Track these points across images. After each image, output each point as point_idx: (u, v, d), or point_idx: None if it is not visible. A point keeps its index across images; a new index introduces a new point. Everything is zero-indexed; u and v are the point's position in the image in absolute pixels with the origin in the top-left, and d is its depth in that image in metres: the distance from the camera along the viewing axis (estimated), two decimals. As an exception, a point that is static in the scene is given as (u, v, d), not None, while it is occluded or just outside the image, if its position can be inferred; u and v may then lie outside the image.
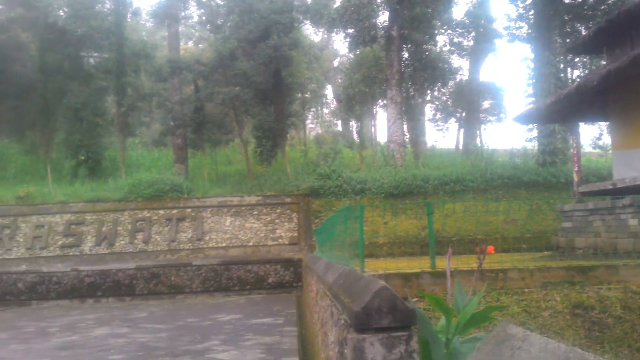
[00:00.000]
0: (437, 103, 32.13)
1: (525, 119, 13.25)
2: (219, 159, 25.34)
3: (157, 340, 8.54)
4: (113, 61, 23.44)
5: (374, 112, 33.39)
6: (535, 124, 18.52)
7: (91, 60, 27.80)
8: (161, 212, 17.75)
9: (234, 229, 17.34)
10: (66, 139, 23.06)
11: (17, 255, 16.49)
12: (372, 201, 17.58)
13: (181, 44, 31.84)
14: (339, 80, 36.94)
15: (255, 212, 17.77)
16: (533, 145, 20.93)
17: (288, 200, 18.15)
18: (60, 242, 16.85)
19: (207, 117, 22.94)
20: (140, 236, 17.12)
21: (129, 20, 30.17)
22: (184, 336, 8.89)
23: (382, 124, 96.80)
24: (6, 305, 15.07)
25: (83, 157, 22.07)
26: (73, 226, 17.24)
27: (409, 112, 26.35)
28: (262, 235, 17.25)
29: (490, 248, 4.28)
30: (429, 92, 30.06)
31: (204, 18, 26.66)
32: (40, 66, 22.42)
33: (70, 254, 16.60)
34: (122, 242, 16.99)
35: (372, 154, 27.55)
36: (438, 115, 31.86)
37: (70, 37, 23.70)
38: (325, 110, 46.23)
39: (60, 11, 25.20)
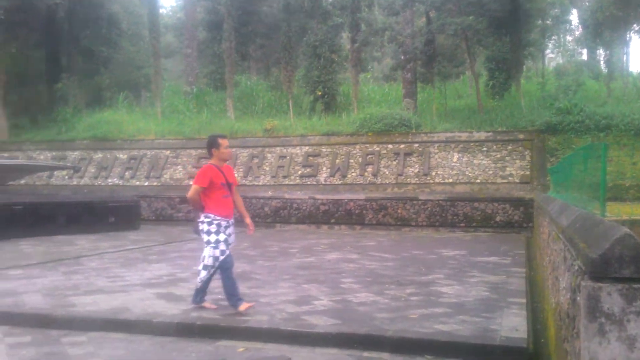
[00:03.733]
0: None
1: None
2: (448, 93, 24.82)
3: (384, 269, 8.94)
4: (349, -3, 24.01)
5: (627, 39, 29.32)
6: None
7: (329, -2, 28.86)
8: (390, 146, 18.18)
9: (461, 165, 17.06)
10: (305, 76, 24.61)
11: (263, 183, 18.44)
12: (619, 139, 15.77)
13: (413, -25, 31.28)
14: (587, 4, 33.04)
15: (484, 149, 17.22)
16: None
17: (521, 136, 17.20)
18: (299, 172, 18.37)
19: (437, 49, 22.47)
20: (369, 169, 17.82)
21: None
22: (409, 267, 9.17)
23: (636, 51, 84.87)
24: (255, 226, 17.05)
25: (320, 93, 23.39)
26: (310, 157, 18.62)
27: (673, 37, 22.64)
28: (491, 172, 16.70)
29: None
30: (701, 11, 25.32)
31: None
32: (284, 6, 23.94)
33: (308, 183, 18.01)
34: (353, 174, 17.89)
35: (623, 86, 24.47)
36: None
37: (310, -25, 24.82)
38: (569, 38, 41.97)
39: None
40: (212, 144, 6.08)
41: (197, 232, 6.05)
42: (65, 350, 4.94)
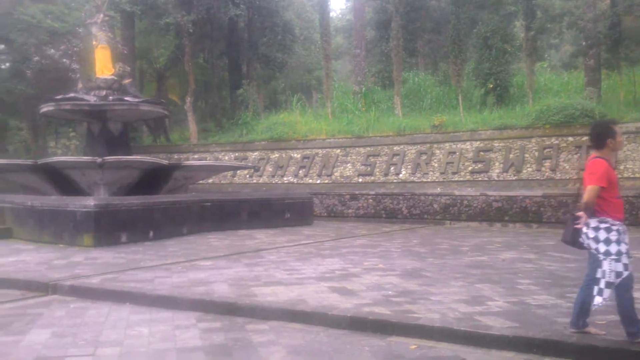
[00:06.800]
0: None
1: None
2: (637, 79, 22.43)
3: (566, 270, 8.34)
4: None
5: None
6: None
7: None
8: (570, 139, 16.92)
9: (656, 158, 15.33)
10: (475, 68, 23.81)
11: (432, 179, 18.20)
12: None
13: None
14: None
15: (684, 139, 15.30)
16: None
17: None
18: (469, 168, 17.84)
19: (624, 32, 20.42)
20: (547, 164, 16.74)
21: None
22: (594, 269, 8.44)
23: None
24: (424, 223, 16.95)
25: (491, 85, 22.48)
26: (481, 153, 17.98)
27: None
28: (694, 165, 14.79)
29: None
30: None
31: None
32: (453, -2, 23.40)
33: (479, 179, 17.42)
34: (528, 169, 16.94)
35: None
36: None
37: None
38: None
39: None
40: (607, 133, 4.99)
41: (575, 240, 5.04)
42: (249, 337, 5.31)
